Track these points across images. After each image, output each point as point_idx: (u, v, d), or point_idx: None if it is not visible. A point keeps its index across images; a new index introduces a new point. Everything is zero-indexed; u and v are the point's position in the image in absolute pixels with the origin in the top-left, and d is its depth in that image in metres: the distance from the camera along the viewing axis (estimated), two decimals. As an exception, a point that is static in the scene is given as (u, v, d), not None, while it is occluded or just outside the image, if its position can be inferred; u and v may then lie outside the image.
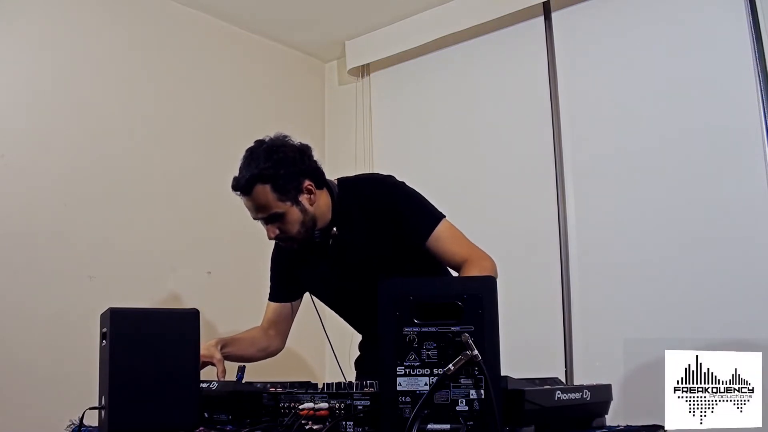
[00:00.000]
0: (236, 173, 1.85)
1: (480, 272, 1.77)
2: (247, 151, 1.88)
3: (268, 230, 1.88)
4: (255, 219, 1.89)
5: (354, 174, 2.13)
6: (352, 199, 1.94)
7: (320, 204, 1.91)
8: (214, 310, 3.14)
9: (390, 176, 1.97)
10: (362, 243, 1.91)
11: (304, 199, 1.87)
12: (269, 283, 2.18)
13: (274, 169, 1.81)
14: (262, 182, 1.80)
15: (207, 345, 1.85)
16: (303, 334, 3.62)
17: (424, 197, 1.94)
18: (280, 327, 2.17)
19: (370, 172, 2.02)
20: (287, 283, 2.12)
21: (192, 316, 1.37)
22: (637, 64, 2.82)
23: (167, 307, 1.36)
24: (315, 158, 1.94)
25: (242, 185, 1.81)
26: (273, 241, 1.98)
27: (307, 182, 1.87)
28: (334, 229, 1.91)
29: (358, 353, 2.19)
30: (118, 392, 1.28)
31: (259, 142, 1.90)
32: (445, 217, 1.91)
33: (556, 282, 2.88)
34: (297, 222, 1.86)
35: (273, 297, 2.18)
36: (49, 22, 2.80)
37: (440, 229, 1.86)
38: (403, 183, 1.95)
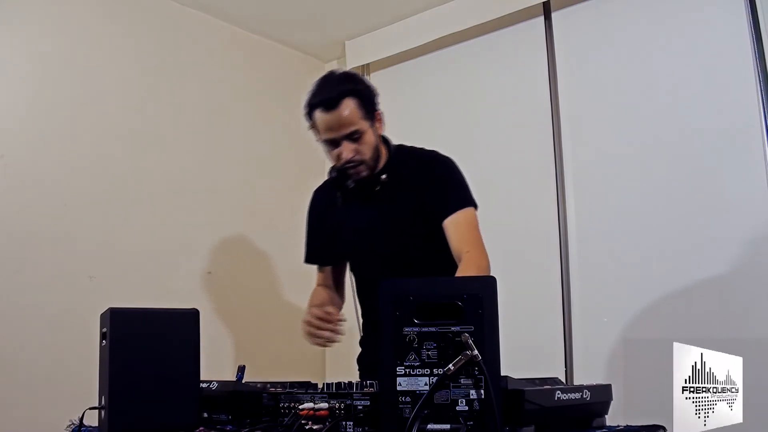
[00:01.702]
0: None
1: (476, 270, 1.81)
2: (325, 76, 1.98)
3: (344, 150, 1.92)
4: (329, 139, 1.93)
5: None
6: (407, 157, 2.04)
7: (380, 145, 2.00)
8: (214, 310, 3.15)
9: (447, 156, 2.05)
10: (402, 200, 1.97)
11: (376, 126, 1.98)
12: (307, 248, 2.19)
13: (365, 89, 1.95)
14: (351, 96, 1.89)
15: (319, 311, 1.84)
16: (303, 334, 3.63)
17: (466, 183, 2.00)
18: (336, 290, 2.18)
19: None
20: (328, 238, 2.13)
21: (192, 316, 1.37)
22: (637, 64, 2.82)
23: (167, 307, 1.36)
24: None
25: (332, 98, 1.88)
26: (297, 216, 2.06)
27: (379, 111, 1.99)
28: (384, 176, 1.97)
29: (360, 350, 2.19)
30: (118, 392, 1.28)
31: (333, 71, 2.03)
32: (476, 207, 1.97)
33: (556, 282, 2.88)
34: (372, 145, 1.96)
35: (312, 258, 2.18)
36: (49, 22, 2.80)
37: (463, 213, 1.93)
38: (455, 164, 2.02)
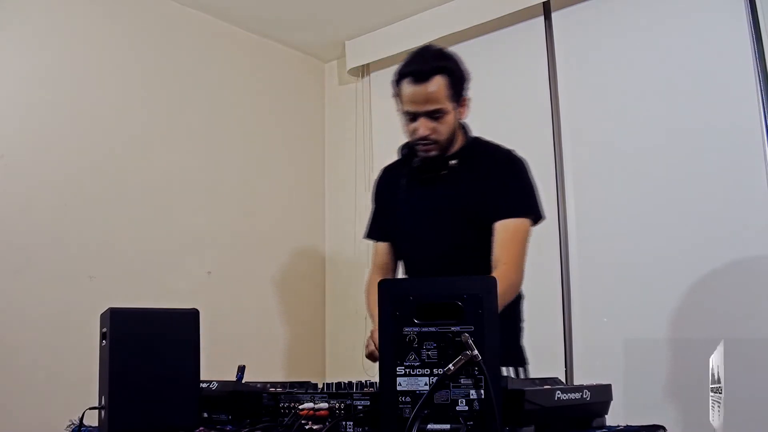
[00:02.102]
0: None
1: (502, 282, 1.73)
2: (422, 48, 1.95)
3: (422, 126, 1.87)
4: (409, 112, 1.88)
5: None
6: (481, 149, 1.97)
7: (458, 130, 1.95)
8: (214, 310, 3.14)
9: (522, 157, 1.99)
10: (466, 190, 1.91)
11: (460, 111, 1.92)
12: (369, 224, 2.15)
13: (458, 70, 1.88)
14: (443, 74, 1.84)
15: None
16: (303, 334, 3.63)
17: (536, 191, 1.93)
18: (391, 271, 2.12)
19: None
20: (389, 216, 2.08)
21: (192, 316, 1.37)
22: (637, 63, 2.82)
23: (167, 307, 1.36)
24: None
25: (423, 71, 1.83)
26: (368, 185, 2.04)
27: (467, 97, 1.93)
28: (454, 161, 1.92)
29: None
30: (118, 392, 1.28)
31: (430, 45, 1.99)
32: (538, 219, 1.91)
33: (556, 282, 2.88)
34: (450, 128, 1.90)
35: (374, 234, 2.14)
36: (49, 22, 2.80)
37: (513, 222, 1.87)
38: (528, 168, 1.95)
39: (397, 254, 2.10)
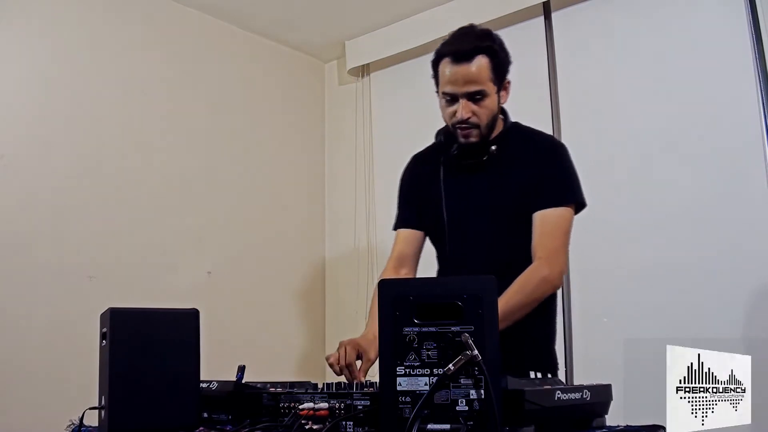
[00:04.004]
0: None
1: (539, 282, 1.72)
2: (464, 28, 1.83)
3: (461, 108, 1.76)
4: (449, 93, 1.78)
5: None
6: (521, 135, 1.89)
7: (498, 114, 1.86)
8: (214, 310, 3.14)
9: (563, 143, 1.93)
10: (508, 178, 1.82)
11: (501, 94, 1.83)
12: (396, 211, 2.04)
13: (501, 51, 1.80)
14: (486, 55, 1.76)
15: (349, 351, 1.75)
16: (303, 334, 3.63)
17: (577, 177, 1.85)
18: (412, 263, 1.99)
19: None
20: (421, 206, 1.97)
21: (192, 316, 1.36)
22: (636, 64, 2.82)
23: (167, 307, 1.36)
24: None
25: (465, 50, 1.74)
26: (403, 166, 1.96)
27: (509, 80, 1.85)
28: (494, 147, 1.82)
29: None
30: (118, 392, 1.27)
31: (472, 25, 1.86)
32: (581, 207, 1.84)
33: (556, 282, 2.87)
34: (491, 112, 1.80)
35: (404, 223, 2.01)
36: (49, 22, 2.81)
37: (555, 212, 1.78)
38: (569, 155, 1.87)
39: (436, 246, 1.98)
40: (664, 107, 2.72)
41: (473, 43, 1.75)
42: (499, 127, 1.87)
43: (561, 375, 1.93)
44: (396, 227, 2.02)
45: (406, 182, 2.04)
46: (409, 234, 1.99)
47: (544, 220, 1.78)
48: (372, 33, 3.61)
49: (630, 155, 2.78)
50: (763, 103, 2.48)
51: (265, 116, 3.60)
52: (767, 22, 2.51)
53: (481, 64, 1.75)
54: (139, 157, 3.01)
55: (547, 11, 3.09)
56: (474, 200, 1.85)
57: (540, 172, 1.80)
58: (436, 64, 1.81)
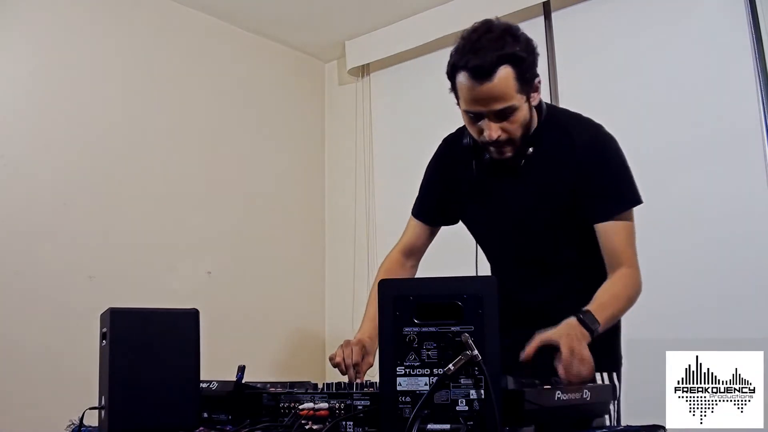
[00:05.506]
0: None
1: (632, 289, 1.64)
2: (480, 30, 1.58)
3: (489, 129, 1.55)
4: (473, 111, 1.56)
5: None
6: (562, 128, 1.65)
7: (532, 117, 1.62)
8: (214, 310, 3.14)
9: (610, 134, 1.69)
10: (551, 183, 1.64)
11: (533, 97, 1.59)
12: (417, 195, 1.89)
13: (526, 53, 1.53)
14: (509, 64, 1.50)
15: (356, 351, 1.68)
16: (303, 334, 3.63)
17: (630, 172, 1.67)
18: (419, 256, 1.89)
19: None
20: (445, 204, 1.82)
21: (192, 316, 1.36)
22: (636, 64, 2.82)
23: (167, 307, 1.36)
24: None
25: (485, 66, 1.49)
26: (433, 151, 1.83)
27: (539, 78, 1.59)
28: (531, 149, 1.62)
29: None
30: (118, 392, 1.27)
31: (490, 21, 1.60)
32: (638, 203, 1.65)
33: (556, 282, 2.87)
34: (523, 122, 1.58)
35: (423, 215, 1.86)
36: (49, 22, 2.81)
37: (625, 222, 1.61)
38: (618, 147, 1.68)
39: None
40: (664, 107, 2.72)
41: (493, 54, 1.50)
42: (534, 120, 1.64)
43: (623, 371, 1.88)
44: (413, 213, 1.89)
45: (435, 171, 1.87)
46: (423, 228, 1.87)
47: (616, 231, 1.61)
48: (372, 33, 3.61)
49: (630, 155, 2.77)
50: (763, 103, 2.48)
51: (266, 116, 3.60)
52: (767, 22, 2.51)
53: (505, 77, 1.50)
54: (139, 157, 3.01)
55: (547, 11, 3.09)
56: (514, 209, 1.70)
57: (590, 175, 1.62)
58: (452, 76, 1.60)
